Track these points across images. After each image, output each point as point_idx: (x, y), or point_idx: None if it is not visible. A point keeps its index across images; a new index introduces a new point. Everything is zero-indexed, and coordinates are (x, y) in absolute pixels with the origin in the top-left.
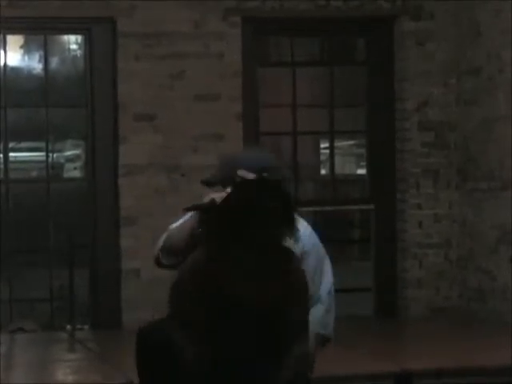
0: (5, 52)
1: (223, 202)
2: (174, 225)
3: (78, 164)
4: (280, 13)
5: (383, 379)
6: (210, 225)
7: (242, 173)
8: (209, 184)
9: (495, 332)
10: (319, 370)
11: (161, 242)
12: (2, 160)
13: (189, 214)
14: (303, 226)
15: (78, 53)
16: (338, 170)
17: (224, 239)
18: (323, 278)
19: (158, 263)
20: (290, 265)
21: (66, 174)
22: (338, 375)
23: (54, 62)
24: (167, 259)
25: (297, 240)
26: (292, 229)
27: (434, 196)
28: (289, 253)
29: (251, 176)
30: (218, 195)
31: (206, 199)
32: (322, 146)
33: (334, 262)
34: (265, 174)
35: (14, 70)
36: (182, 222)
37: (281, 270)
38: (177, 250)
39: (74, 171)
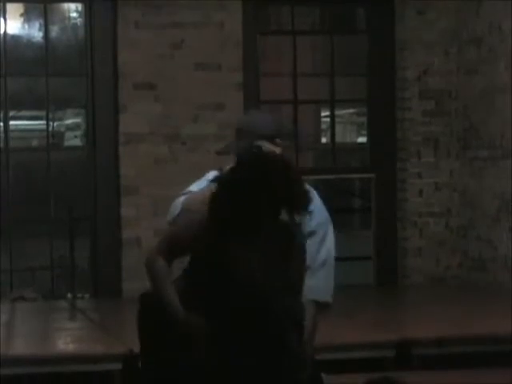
0: (5, 20)
1: (227, 180)
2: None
3: (79, 133)
4: None
5: (383, 348)
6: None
7: (260, 143)
8: (225, 153)
9: (495, 301)
10: (320, 338)
11: (177, 207)
12: (2, 129)
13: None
14: (315, 199)
15: (79, 21)
16: (339, 138)
17: (227, 220)
18: (323, 244)
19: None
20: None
21: (66, 143)
22: (338, 344)
23: (54, 30)
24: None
25: (310, 214)
26: (297, 206)
27: (434, 165)
28: (291, 235)
29: (267, 147)
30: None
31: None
32: (323, 114)
33: (335, 231)
34: (278, 142)
35: (14, 38)
36: (186, 222)
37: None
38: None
39: (74, 140)
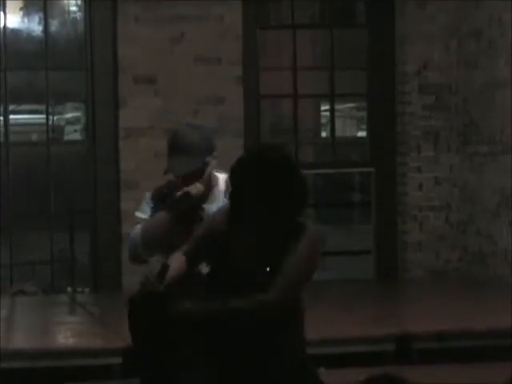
0: (4, 15)
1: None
2: (141, 215)
3: (78, 127)
4: None
5: (383, 342)
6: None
7: (208, 159)
8: (172, 173)
9: (495, 295)
10: (320, 333)
11: (137, 240)
12: (2, 123)
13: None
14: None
15: (78, 15)
16: (339, 132)
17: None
18: None
19: (137, 259)
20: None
21: (66, 137)
22: (338, 338)
23: (54, 24)
24: (145, 252)
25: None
26: (297, 201)
27: (434, 159)
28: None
29: (213, 162)
30: (194, 188)
31: (179, 193)
32: (323, 108)
33: (335, 225)
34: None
35: (14, 32)
36: (156, 218)
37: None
38: (155, 243)
39: (74, 134)
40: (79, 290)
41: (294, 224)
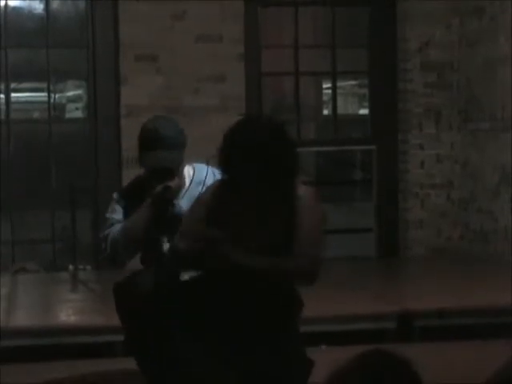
0: None
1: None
2: (114, 215)
3: (80, 105)
4: None
5: (384, 320)
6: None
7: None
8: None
9: (496, 273)
10: (320, 310)
11: (118, 241)
12: (3, 101)
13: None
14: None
15: None
16: (340, 110)
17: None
18: None
19: (116, 260)
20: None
21: (67, 115)
22: (339, 316)
23: (55, 2)
24: (127, 252)
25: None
26: (293, 166)
27: (435, 136)
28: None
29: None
30: (173, 182)
31: (159, 187)
32: (324, 86)
33: (336, 203)
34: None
35: (15, 10)
36: (138, 215)
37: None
38: (137, 241)
39: (75, 112)
40: (81, 267)
41: (290, 187)
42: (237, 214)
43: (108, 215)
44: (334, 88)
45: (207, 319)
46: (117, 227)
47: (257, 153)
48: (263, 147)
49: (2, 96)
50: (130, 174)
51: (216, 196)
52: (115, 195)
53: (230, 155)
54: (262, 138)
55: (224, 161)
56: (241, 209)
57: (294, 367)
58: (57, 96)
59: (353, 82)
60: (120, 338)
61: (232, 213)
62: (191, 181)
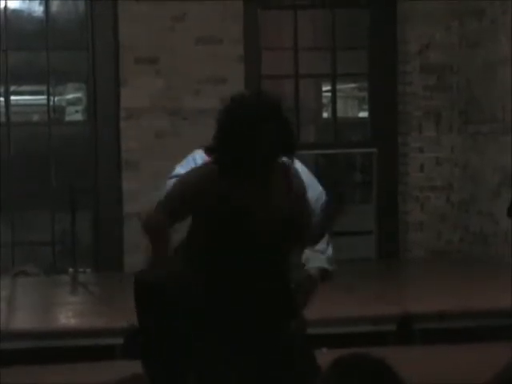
0: None
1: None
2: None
3: (80, 107)
4: None
5: (385, 322)
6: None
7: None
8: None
9: (496, 275)
10: (321, 312)
11: None
12: (3, 103)
13: None
14: (299, 166)
15: None
16: (340, 113)
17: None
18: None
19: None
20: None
21: (67, 118)
22: (339, 318)
23: (55, 4)
24: None
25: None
26: (290, 148)
27: (435, 139)
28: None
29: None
30: None
31: None
32: (324, 89)
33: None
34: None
35: (15, 12)
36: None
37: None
38: None
39: (75, 114)
40: (81, 270)
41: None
42: (249, 196)
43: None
44: (333, 91)
45: (207, 319)
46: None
47: (261, 132)
48: (267, 125)
49: (2, 99)
50: (130, 175)
51: (214, 182)
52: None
53: (234, 137)
54: (264, 115)
55: (224, 144)
56: (254, 190)
57: (296, 368)
58: (56, 99)
59: (352, 85)
60: (120, 340)
61: (244, 195)
62: None
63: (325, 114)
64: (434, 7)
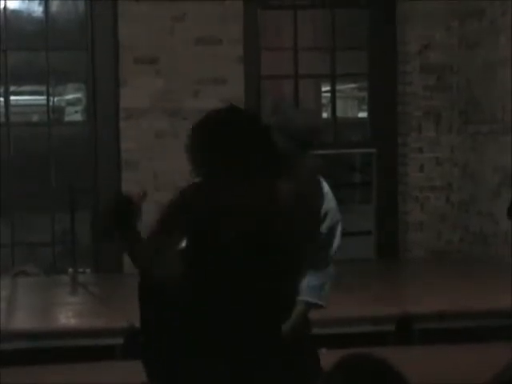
0: None
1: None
2: None
3: (79, 108)
4: None
5: (384, 322)
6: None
7: None
8: None
9: (496, 275)
10: (320, 313)
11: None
12: (3, 103)
13: None
14: (326, 188)
15: None
16: (340, 113)
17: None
18: (329, 248)
19: None
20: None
21: (67, 118)
22: (339, 318)
23: (55, 4)
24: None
25: (322, 197)
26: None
27: (435, 139)
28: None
29: None
30: None
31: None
32: (324, 89)
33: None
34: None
35: (15, 13)
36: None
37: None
38: None
39: (75, 115)
40: (81, 270)
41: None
42: (244, 205)
43: None
44: (333, 91)
45: (207, 319)
46: None
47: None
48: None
49: (2, 99)
50: (130, 176)
51: (204, 198)
52: None
53: (222, 149)
54: (249, 127)
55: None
56: (249, 200)
57: (297, 368)
58: (56, 99)
59: (352, 85)
60: (120, 340)
61: (240, 206)
62: None
63: (324, 115)
64: (434, 7)
